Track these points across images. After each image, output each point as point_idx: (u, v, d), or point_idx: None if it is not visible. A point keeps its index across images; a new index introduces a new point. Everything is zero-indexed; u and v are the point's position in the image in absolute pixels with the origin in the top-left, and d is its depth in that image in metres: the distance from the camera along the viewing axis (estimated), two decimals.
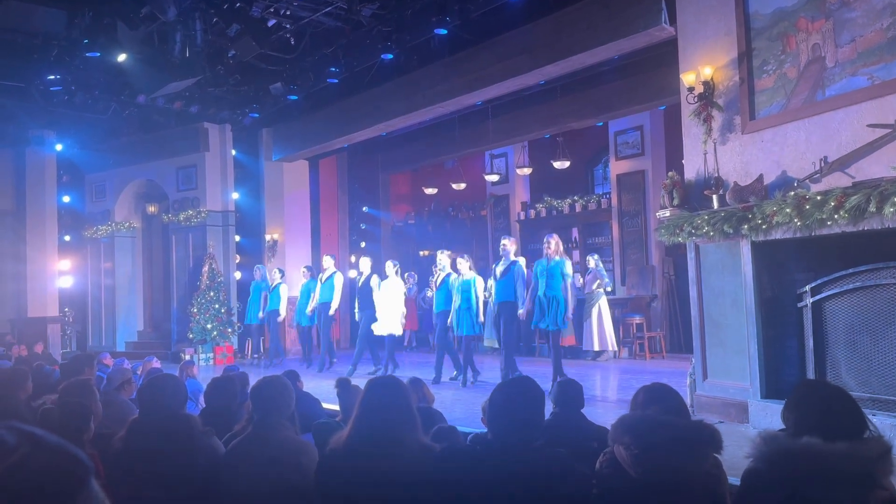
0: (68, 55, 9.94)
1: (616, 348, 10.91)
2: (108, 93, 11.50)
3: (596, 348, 10.71)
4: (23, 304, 13.22)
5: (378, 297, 9.82)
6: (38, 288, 13.29)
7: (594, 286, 10.85)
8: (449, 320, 8.71)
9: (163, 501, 2.89)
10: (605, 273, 11.11)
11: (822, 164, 5.38)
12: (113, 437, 3.26)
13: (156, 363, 7.17)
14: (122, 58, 9.51)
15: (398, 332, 9.81)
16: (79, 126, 13.10)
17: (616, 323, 11.25)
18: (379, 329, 9.71)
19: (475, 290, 8.52)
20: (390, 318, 9.64)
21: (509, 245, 8.20)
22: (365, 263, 10.57)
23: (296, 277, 12.49)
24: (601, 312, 10.75)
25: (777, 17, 5.87)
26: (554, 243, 7.73)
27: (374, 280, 10.06)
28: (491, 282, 8.40)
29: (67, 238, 15.03)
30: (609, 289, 11.53)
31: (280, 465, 2.87)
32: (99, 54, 9.66)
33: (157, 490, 2.91)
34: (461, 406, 7.05)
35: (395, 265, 9.94)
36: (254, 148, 13.91)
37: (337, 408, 4.64)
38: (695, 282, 6.47)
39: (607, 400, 7.44)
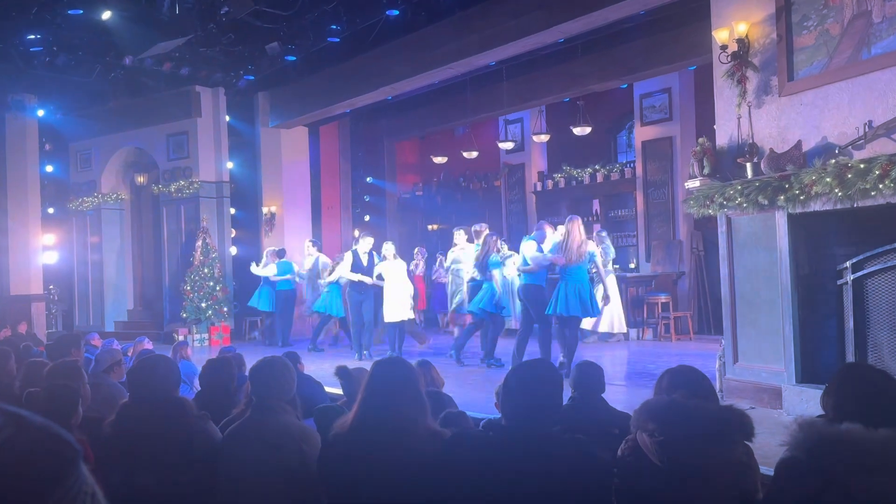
0: (49, 13, 9.91)
1: (625, 330, 10.84)
2: (92, 54, 11.47)
3: (605, 329, 10.67)
4: (4, 282, 13.34)
5: (388, 280, 9.74)
6: (20, 264, 13.39)
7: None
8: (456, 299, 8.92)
9: (155, 489, 2.93)
10: (610, 246, 10.94)
11: (867, 130, 5.32)
12: (102, 422, 3.30)
13: (147, 344, 7.24)
14: (106, 15, 9.47)
15: (411, 315, 9.86)
16: (62, 90, 13.08)
17: (640, 302, 11.25)
18: (391, 315, 9.64)
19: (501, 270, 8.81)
20: (402, 302, 9.62)
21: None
22: (367, 243, 10.39)
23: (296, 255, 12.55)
24: (607, 292, 10.69)
25: None
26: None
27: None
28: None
29: (51, 210, 15.12)
30: (616, 266, 11.50)
31: (280, 450, 2.90)
32: (82, 12, 9.63)
33: (149, 477, 2.95)
34: (474, 390, 7.09)
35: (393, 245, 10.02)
36: (249, 113, 13.87)
37: (340, 392, 4.68)
38: (726, 258, 6.45)
39: (629, 384, 7.46)
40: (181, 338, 11.12)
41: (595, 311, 8.22)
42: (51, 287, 14.57)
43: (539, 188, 14.95)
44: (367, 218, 16.68)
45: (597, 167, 13.96)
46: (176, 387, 3.38)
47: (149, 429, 3.07)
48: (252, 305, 12.22)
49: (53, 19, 10.07)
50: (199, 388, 4.60)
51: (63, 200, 15.08)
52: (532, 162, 15.14)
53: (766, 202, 5.82)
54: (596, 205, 14.33)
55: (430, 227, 17.18)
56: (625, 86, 12.41)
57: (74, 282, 14.99)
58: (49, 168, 14.95)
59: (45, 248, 14.21)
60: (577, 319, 7.95)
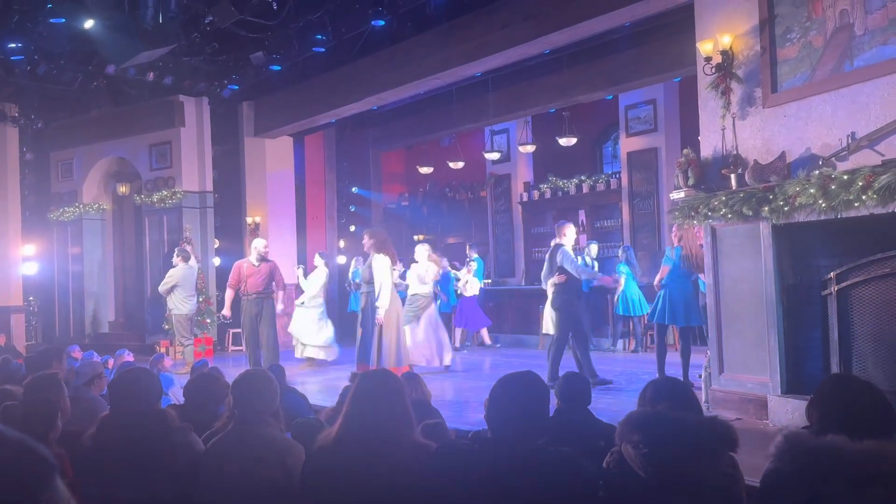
0: (30, 21, 9.84)
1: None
2: (74, 63, 11.40)
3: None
4: None
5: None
6: (0, 274, 13.25)
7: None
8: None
9: (137, 503, 2.90)
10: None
11: (850, 141, 5.37)
12: (82, 435, 3.26)
13: (128, 356, 7.19)
14: (89, 24, 9.42)
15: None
16: (43, 99, 12.99)
17: None
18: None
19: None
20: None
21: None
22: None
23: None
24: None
25: None
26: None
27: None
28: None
29: (31, 220, 14.95)
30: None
31: (263, 464, 2.88)
32: (64, 20, 9.57)
33: (130, 491, 2.91)
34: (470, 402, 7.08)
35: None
36: (233, 123, 13.83)
37: (326, 405, 4.66)
38: (711, 268, 6.48)
39: (615, 395, 7.46)
40: (162, 350, 11.03)
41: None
42: (31, 298, 14.40)
43: (525, 199, 14.97)
44: (352, 228, 16.63)
45: (583, 178, 14.02)
46: (157, 399, 3.36)
47: (130, 441, 3.04)
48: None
49: (35, 28, 10.00)
50: (181, 402, 4.56)
51: (44, 210, 14.94)
52: (518, 172, 15.16)
53: (750, 213, 5.86)
54: (582, 215, 14.38)
55: (416, 237, 17.16)
56: (610, 97, 12.48)
57: (55, 293, 14.82)
58: (29, 177, 14.81)
59: (25, 259, 14.05)
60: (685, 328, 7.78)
